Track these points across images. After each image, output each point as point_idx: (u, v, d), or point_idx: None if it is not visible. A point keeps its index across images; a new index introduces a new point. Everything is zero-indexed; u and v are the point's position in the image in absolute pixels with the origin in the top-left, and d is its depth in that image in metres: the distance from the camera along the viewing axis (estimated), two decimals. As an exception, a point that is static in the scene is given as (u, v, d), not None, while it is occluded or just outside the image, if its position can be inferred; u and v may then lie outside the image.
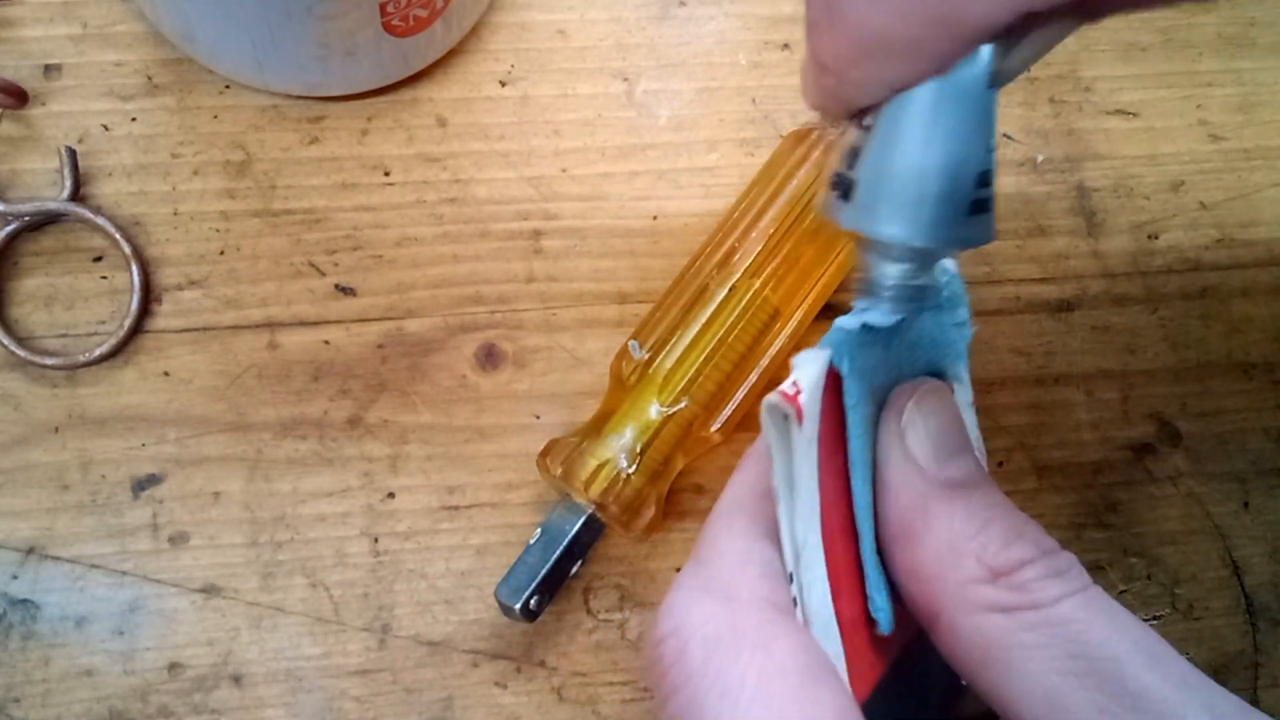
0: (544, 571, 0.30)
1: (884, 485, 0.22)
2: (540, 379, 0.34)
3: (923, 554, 0.21)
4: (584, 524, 0.31)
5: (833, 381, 0.21)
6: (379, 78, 0.34)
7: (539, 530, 0.31)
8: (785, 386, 0.21)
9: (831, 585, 0.21)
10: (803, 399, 0.20)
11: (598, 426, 0.31)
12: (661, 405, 0.31)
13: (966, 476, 0.22)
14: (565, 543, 0.30)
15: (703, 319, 0.31)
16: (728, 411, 0.32)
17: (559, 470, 0.31)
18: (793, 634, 0.20)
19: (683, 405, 0.31)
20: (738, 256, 0.32)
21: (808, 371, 0.21)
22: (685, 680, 0.20)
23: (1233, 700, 0.19)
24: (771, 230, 0.32)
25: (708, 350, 0.31)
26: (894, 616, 0.22)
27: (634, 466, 0.31)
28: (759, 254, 0.32)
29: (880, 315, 0.22)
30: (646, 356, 0.31)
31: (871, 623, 0.22)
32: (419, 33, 0.33)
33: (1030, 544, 0.21)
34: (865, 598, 0.22)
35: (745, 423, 0.33)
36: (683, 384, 0.31)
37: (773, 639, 0.20)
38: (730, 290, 0.32)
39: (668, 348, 0.31)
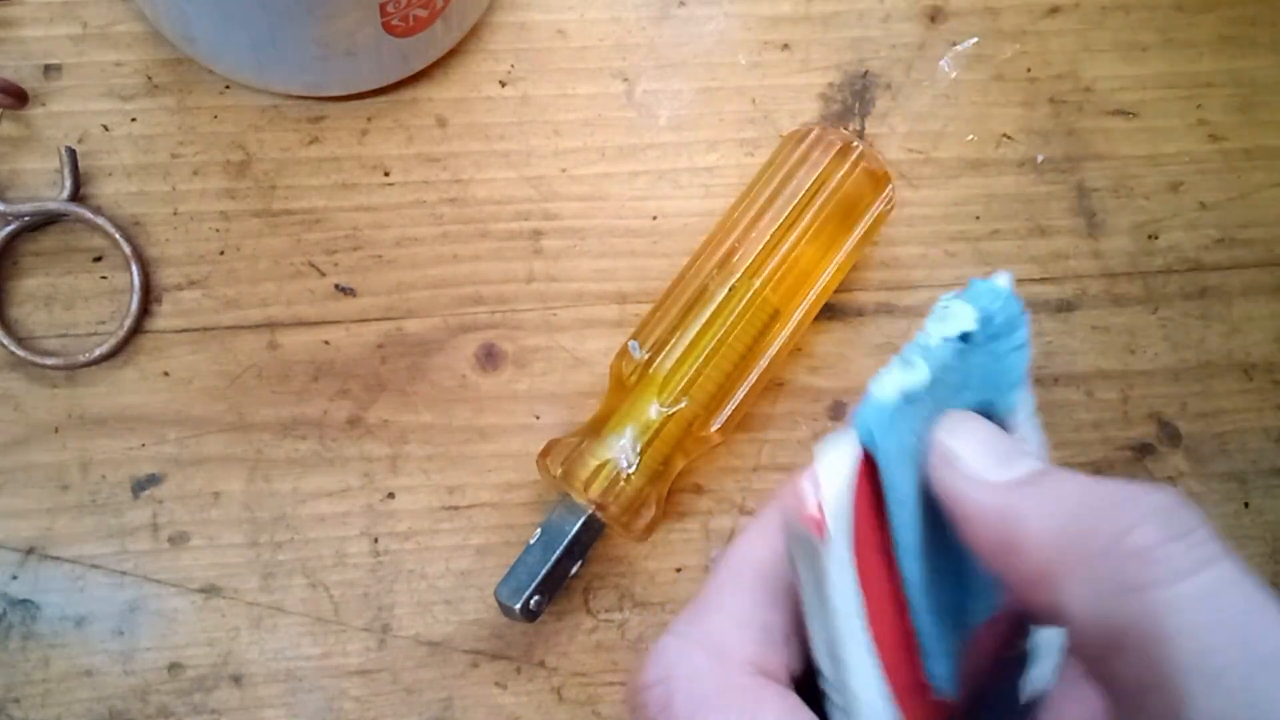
0: (544, 571, 0.30)
1: (961, 518, 0.21)
2: (540, 379, 0.34)
3: (1031, 557, 0.20)
4: (584, 524, 0.31)
5: (865, 465, 0.20)
6: (379, 78, 0.34)
7: (539, 530, 0.31)
8: (808, 502, 0.20)
9: (885, 661, 0.20)
10: (828, 518, 0.20)
11: (598, 427, 0.31)
12: (661, 405, 0.31)
13: (1036, 471, 0.21)
14: (565, 543, 0.30)
15: (703, 319, 0.31)
16: (728, 411, 0.32)
17: (559, 470, 0.31)
18: (780, 700, 0.20)
19: (682, 405, 0.31)
20: (737, 256, 0.32)
21: (832, 478, 0.20)
22: None
23: None
24: (771, 230, 0.32)
25: (708, 350, 0.31)
26: (955, 678, 0.21)
27: (634, 467, 0.31)
28: (759, 254, 0.32)
29: (918, 375, 0.21)
30: (646, 357, 0.31)
31: (930, 688, 0.21)
32: (419, 33, 0.33)
33: (1141, 512, 0.19)
34: (920, 668, 0.21)
35: (745, 423, 0.33)
36: (683, 384, 0.31)
37: (760, 703, 0.20)
38: (730, 290, 0.32)
39: (668, 348, 0.31)
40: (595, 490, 0.30)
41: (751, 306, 0.31)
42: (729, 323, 0.31)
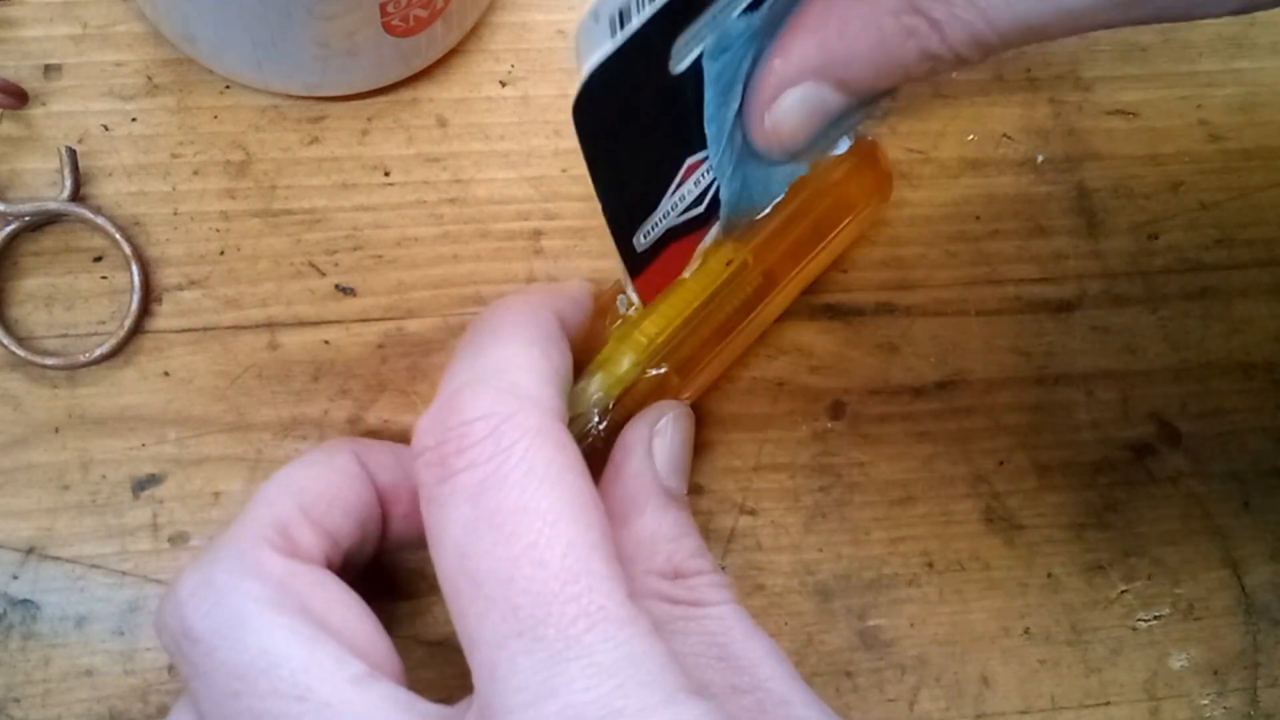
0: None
1: (619, 469, 0.28)
2: (540, 379, 0.34)
3: (628, 535, 0.26)
4: None
5: None
6: (379, 78, 0.34)
7: None
8: None
9: None
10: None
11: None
12: (638, 364, 0.30)
13: (680, 493, 0.28)
14: None
15: (690, 283, 0.31)
16: (702, 378, 0.32)
17: None
18: (576, 449, 0.24)
19: (662, 370, 0.31)
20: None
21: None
22: (491, 456, 0.22)
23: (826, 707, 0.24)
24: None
25: (691, 314, 0.31)
26: None
27: (604, 421, 0.30)
28: (754, 229, 0.32)
29: None
30: (634, 314, 0.31)
31: None
32: (419, 33, 0.33)
33: (707, 562, 0.27)
34: None
35: (745, 423, 0.33)
36: (661, 344, 0.31)
37: (568, 443, 0.24)
38: (719, 257, 0.31)
39: (652, 309, 0.31)
40: None
41: (739, 277, 0.31)
42: (715, 290, 0.31)
